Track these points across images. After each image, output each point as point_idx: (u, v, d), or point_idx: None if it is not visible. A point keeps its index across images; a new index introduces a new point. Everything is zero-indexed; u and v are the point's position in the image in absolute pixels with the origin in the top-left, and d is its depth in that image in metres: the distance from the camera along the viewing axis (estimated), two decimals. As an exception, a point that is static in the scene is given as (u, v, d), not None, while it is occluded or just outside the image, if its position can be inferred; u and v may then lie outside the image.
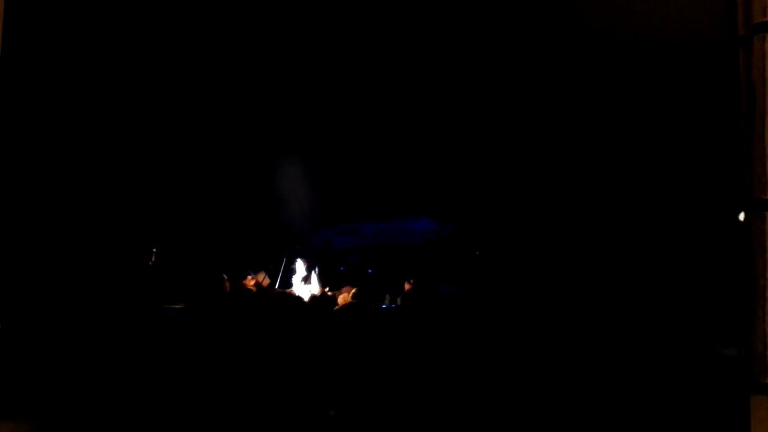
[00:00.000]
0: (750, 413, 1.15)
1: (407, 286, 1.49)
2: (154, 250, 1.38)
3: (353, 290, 1.56)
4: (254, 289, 1.56)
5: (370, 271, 1.54)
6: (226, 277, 1.50)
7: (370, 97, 1.34)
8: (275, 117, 1.41)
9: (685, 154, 1.17)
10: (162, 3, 1.33)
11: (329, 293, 1.59)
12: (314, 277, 1.60)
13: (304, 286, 1.61)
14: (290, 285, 1.60)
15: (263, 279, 1.57)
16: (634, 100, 1.19)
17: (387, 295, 1.50)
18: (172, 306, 1.42)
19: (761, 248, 1.16)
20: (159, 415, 1.32)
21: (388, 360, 1.37)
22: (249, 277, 1.54)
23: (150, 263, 1.38)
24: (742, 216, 1.17)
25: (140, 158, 1.38)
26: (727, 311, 1.15)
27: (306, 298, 1.54)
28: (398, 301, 1.51)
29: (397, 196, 1.39)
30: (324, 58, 1.36)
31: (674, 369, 1.18)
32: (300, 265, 1.59)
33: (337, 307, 1.53)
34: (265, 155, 1.45)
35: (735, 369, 1.15)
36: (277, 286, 1.56)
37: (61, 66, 1.35)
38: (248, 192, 1.46)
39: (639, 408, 1.19)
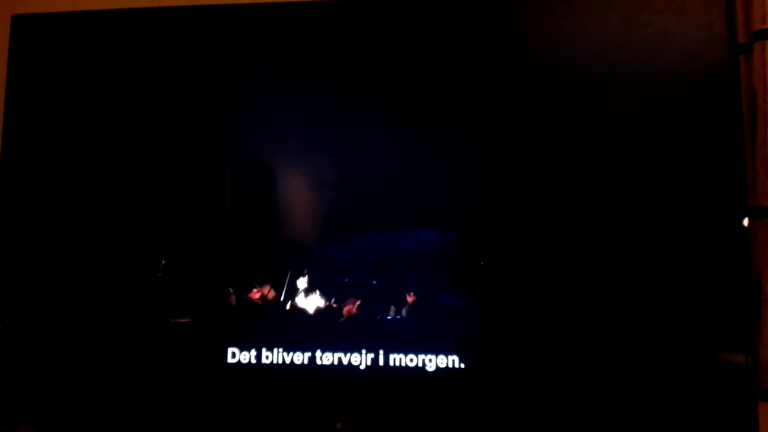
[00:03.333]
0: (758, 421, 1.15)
1: (410, 299, 1.50)
2: (163, 262, 1.38)
3: (358, 302, 1.56)
4: (259, 302, 1.57)
5: (374, 282, 1.54)
6: (231, 290, 1.50)
7: (374, 106, 1.34)
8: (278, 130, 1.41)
9: (686, 162, 1.18)
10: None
11: (334, 305, 1.59)
12: (319, 289, 1.60)
13: (309, 298, 1.61)
14: (295, 297, 1.60)
15: (268, 292, 1.58)
16: (636, 107, 1.20)
17: (392, 307, 1.50)
18: (178, 320, 1.42)
19: (765, 255, 1.17)
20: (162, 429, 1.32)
21: (394, 372, 1.37)
22: (254, 290, 1.54)
23: (158, 275, 1.38)
24: (746, 222, 1.18)
25: (143, 174, 1.39)
26: (732, 318, 1.15)
27: (311, 311, 1.55)
28: (403, 312, 1.51)
29: (400, 208, 1.39)
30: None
31: (680, 377, 1.18)
32: (304, 278, 1.59)
33: (341, 319, 1.53)
34: (268, 169, 1.45)
35: (742, 376, 1.16)
36: (282, 299, 1.56)
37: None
38: (252, 205, 1.46)
39: (645, 416, 1.19)
